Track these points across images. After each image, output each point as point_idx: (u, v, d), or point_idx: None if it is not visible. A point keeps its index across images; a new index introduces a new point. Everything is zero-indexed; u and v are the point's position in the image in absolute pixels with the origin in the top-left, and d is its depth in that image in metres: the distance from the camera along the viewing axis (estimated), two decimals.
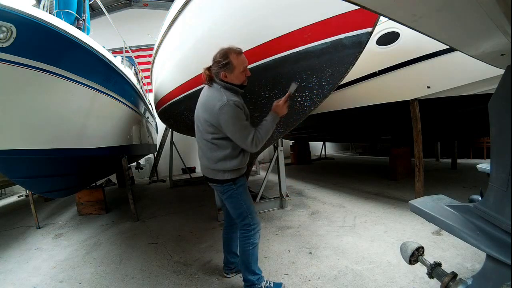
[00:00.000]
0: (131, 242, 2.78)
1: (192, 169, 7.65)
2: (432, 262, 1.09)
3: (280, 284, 1.77)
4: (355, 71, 3.05)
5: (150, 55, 4.28)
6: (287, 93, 1.60)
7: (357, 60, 1.74)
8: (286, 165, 3.83)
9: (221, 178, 1.63)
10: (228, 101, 1.46)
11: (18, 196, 6.00)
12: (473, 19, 0.71)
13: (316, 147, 8.89)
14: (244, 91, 1.70)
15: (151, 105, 5.62)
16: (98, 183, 4.41)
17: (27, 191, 3.92)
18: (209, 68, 1.60)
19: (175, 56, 2.76)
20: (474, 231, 0.97)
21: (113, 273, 2.15)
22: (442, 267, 1.07)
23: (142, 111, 4.67)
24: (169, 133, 6.04)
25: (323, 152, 8.57)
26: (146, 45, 7.15)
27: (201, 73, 1.64)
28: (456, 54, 2.40)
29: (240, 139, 1.50)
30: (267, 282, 1.73)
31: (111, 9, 7.65)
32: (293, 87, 1.60)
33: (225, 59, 1.51)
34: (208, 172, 1.68)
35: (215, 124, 1.52)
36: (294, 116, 2.02)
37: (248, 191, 1.75)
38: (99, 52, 2.38)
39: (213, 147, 1.59)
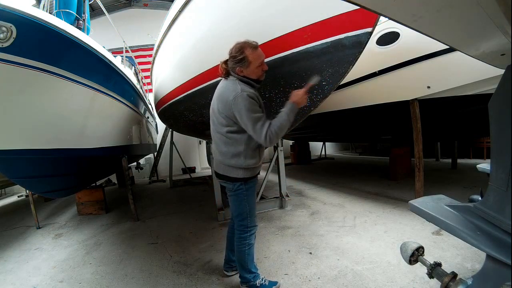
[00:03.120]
0: (131, 242, 2.78)
1: (192, 169, 7.65)
2: (432, 262, 1.09)
3: (276, 282, 1.78)
4: (355, 71, 3.05)
5: (150, 55, 4.29)
6: (309, 84, 1.55)
7: (357, 60, 1.74)
8: (286, 165, 3.83)
9: (233, 175, 1.59)
10: (242, 92, 1.43)
11: (18, 196, 6.00)
12: (473, 19, 0.71)
13: (316, 147, 8.89)
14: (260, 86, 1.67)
15: (151, 105, 5.62)
16: (98, 183, 4.41)
17: (27, 191, 3.92)
18: (225, 62, 1.56)
19: (175, 56, 2.76)
20: (474, 231, 0.97)
21: (113, 273, 2.15)
22: (442, 267, 1.07)
23: (142, 111, 4.67)
24: (169, 133, 6.04)
25: (323, 152, 8.57)
26: (146, 45, 7.15)
27: (215, 67, 1.65)
28: (456, 54, 2.40)
29: (253, 131, 1.44)
30: (262, 280, 1.74)
31: (111, 9, 7.64)
32: (315, 79, 1.58)
33: (241, 54, 1.47)
34: (220, 168, 1.63)
35: (229, 116, 1.49)
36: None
37: (255, 193, 1.73)
38: (99, 52, 2.38)
39: (228, 141, 1.55)
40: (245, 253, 1.68)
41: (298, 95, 1.50)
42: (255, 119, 1.42)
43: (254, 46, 1.50)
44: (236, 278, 1.89)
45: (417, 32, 0.79)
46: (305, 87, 1.54)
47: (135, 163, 6.92)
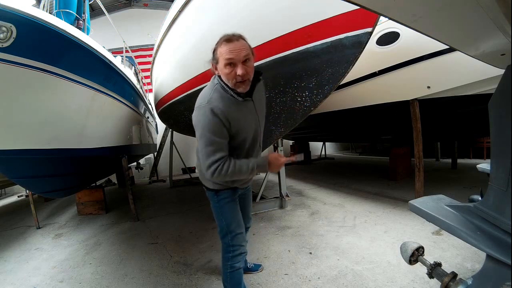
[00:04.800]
0: (131, 242, 2.78)
1: (192, 169, 7.64)
2: (432, 262, 1.09)
3: None
4: (355, 71, 3.06)
5: (150, 55, 4.29)
6: (293, 158, 1.40)
7: (357, 60, 1.74)
8: (286, 165, 3.83)
9: (204, 184, 1.46)
10: (208, 104, 1.17)
11: (18, 196, 6.00)
12: (473, 19, 0.71)
13: (316, 147, 8.90)
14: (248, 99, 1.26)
15: (151, 105, 5.62)
16: (98, 183, 4.41)
17: (27, 191, 3.92)
18: None
19: (175, 56, 2.76)
20: (474, 231, 0.97)
21: (113, 273, 2.15)
22: (442, 267, 1.07)
23: (142, 111, 4.67)
24: (169, 133, 6.05)
25: (323, 152, 8.58)
26: (146, 45, 7.17)
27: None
28: (456, 54, 2.40)
29: (201, 154, 1.21)
30: None
31: (111, 9, 7.65)
32: (300, 157, 1.50)
33: (215, 44, 1.22)
34: (199, 174, 1.51)
35: None
36: (294, 116, 2.02)
37: (235, 206, 1.45)
38: (99, 52, 2.38)
39: None
40: (227, 276, 1.45)
41: (277, 160, 1.28)
42: (208, 144, 1.17)
43: (226, 38, 1.18)
44: None
45: (417, 32, 0.79)
46: (288, 158, 1.35)
47: (135, 163, 6.92)
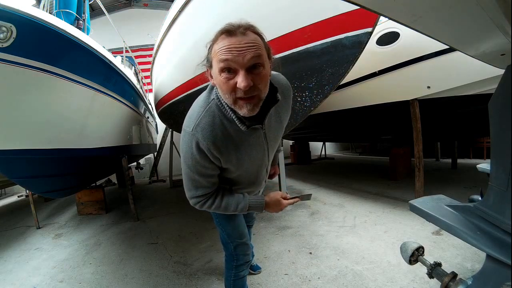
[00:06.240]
0: (131, 242, 2.78)
1: None
2: (432, 262, 1.09)
3: None
4: (355, 71, 3.06)
5: (150, 55, 4.29)
6: (298, 198, 1.22)
7: (357, 60, 1.75)
8: (286, 165, 3.84)
9: None
10: (193, 132, 0.86)
11: (18, 196, 6.00)
12: (473, 19, 0.71)
13: (316, 147, 8.90)
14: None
15: (151, 105, 5.62)
16: (98, 183, 4.41)
17: (27, 191, 3.92)
18: None
19: (175, 56, 2.76)
20: (474, 231, 0.97)
21: (113, 273, 2.15)
22: (442, 267, 1.07)
23: (142, 111, 4.67)
24: (169, 133, 6.05)
25: (323, 152, 8.58)
26: (146, 45, 7.18)
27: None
28: (456, 54, 2.40)
29: (184, 184, 1.01)
30: None
31: (111, 9, 7.66)
32: (306, 197, 1.29)
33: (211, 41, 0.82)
34: None
35: None
36: (294, 116, 2.02)
37: (234, 216, 1.26)
38: (99, 52, 2.38)
39: None
40: (230, 283, 1.35)
41: (277, 207, 1.11)
42: (188, 177, 0.97)
43: (227, 29, 0.77)
44: None
45: (417, 32, 0.79)
46: (292, 200, 1.18)
47: (135, 163, 6.92)
